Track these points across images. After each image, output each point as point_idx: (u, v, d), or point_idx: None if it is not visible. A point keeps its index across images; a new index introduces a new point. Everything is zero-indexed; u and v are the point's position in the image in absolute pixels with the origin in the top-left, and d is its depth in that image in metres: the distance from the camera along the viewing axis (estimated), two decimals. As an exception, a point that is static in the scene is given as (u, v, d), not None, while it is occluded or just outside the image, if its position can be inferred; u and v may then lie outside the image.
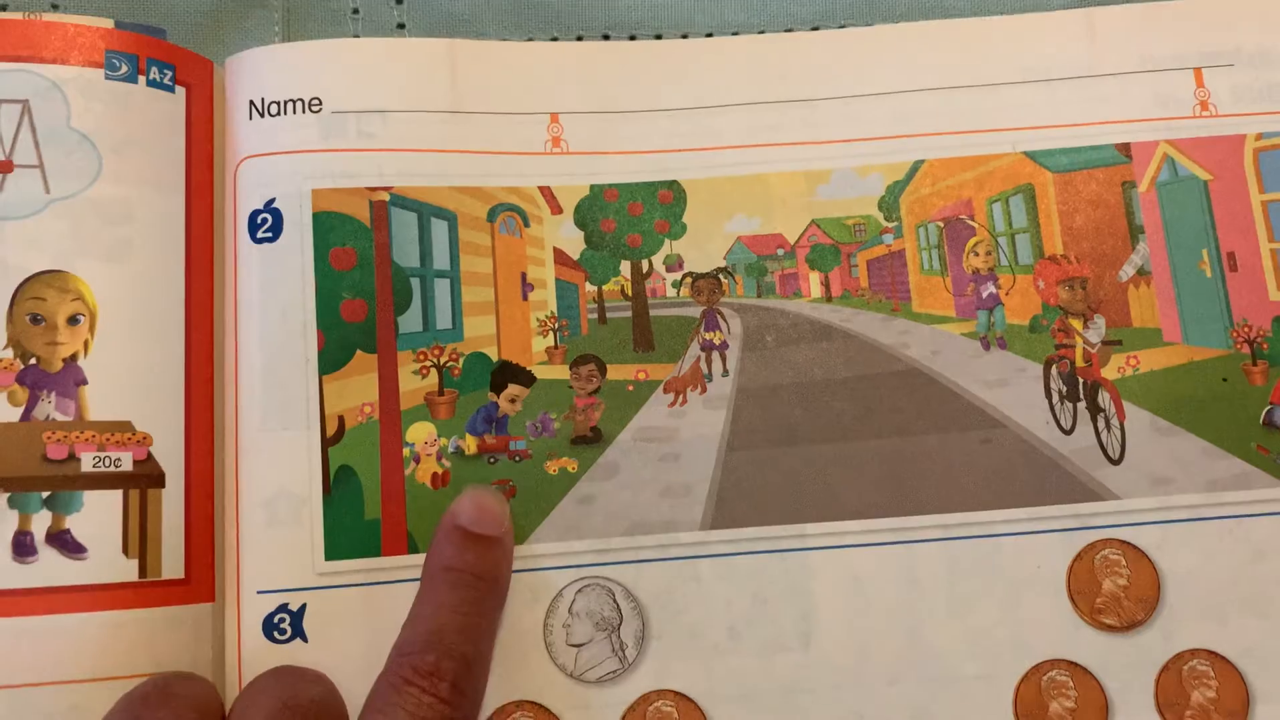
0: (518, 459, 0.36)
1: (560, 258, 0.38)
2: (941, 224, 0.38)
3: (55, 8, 0.39)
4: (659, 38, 0.40)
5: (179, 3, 0.39)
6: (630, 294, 0.38)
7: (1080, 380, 0.37)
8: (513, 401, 0.36)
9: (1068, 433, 0.36)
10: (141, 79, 0.35)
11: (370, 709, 0.30)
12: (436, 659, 0.30)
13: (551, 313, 0.37)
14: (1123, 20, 0.39)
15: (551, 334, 0.37)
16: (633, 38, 0.40)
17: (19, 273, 0.33)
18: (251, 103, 0.36)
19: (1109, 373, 0.36)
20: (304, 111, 0.36)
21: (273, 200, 0.36)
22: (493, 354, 0.36)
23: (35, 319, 0.33)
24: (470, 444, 0.35)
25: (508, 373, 0.36)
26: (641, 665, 0.34)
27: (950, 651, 0.34)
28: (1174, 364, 0.37)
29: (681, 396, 0.37)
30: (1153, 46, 0.38)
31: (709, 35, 0.40)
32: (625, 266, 0.38)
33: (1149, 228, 0.38)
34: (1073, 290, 0.37)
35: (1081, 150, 0.38)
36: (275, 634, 0.33)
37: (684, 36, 0.40)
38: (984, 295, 0.38)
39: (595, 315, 0.38)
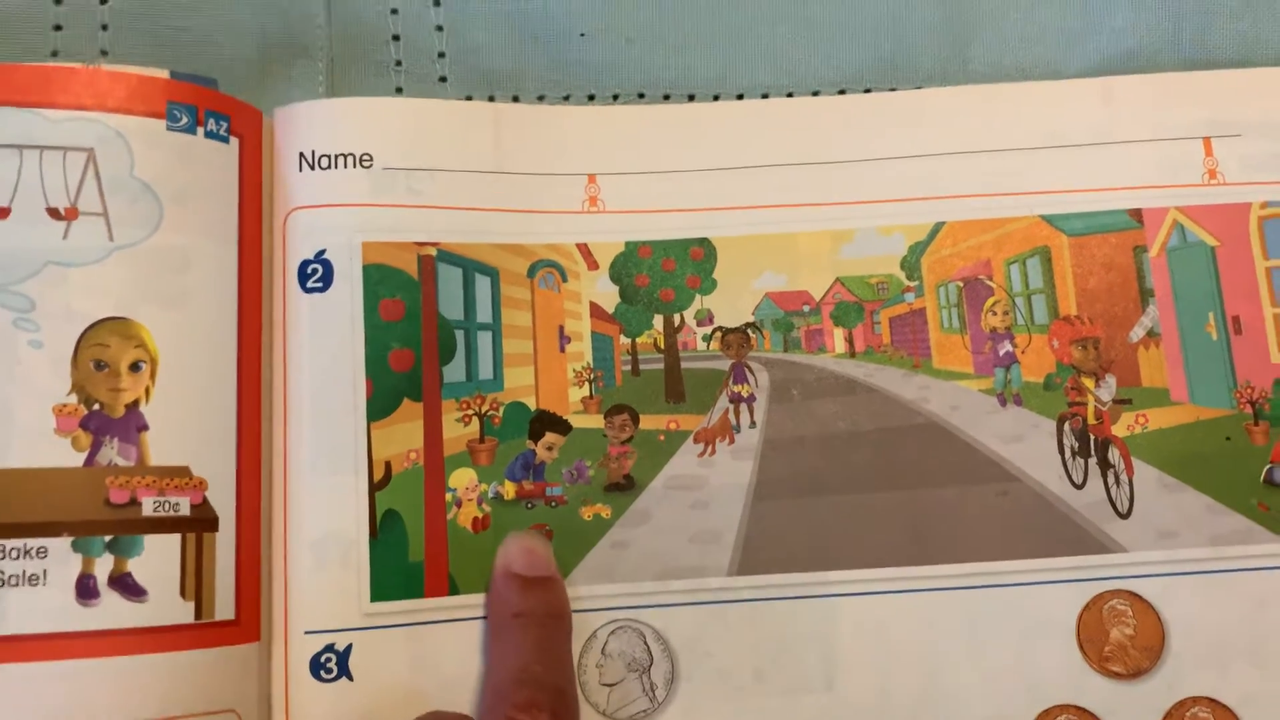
0: (554, 504, 0.37)
1: (596, 312, 0.39)
2: (961, 284, 0.40)
3: (105, 54, 0.40)
4: (692, 98, 0.41)
5: (226, 53, 0.40)
6: (663, 347, 0.39)
7: (1092, 437, 0.38)
8: (550, 449, 0.38)
9: (1079, 487, 0.38)
10: (200, 130, 0.36)
11: None
12: (531, 694, 0.32)
13: (587, 364, 0.39)
14: (1137, 89, 0.40)
15: (587, 385, 0.38)
16: (666, 97, 0.41)
17: (84, 319, 0.34)
18: (302, 155, 0.38)
19: (1119, 430, 0.38)
20: (355, 166, 0.37)
21: (323, 251, 0.37)
22: (531, 403, 0.38)
23: (99, 365, 0.34)
24: (509, 490, 0.37)
25: (545, 421, 0.38)
26: (671, 705, 0.35)
27: (966, 695, 0.36)
28: (1181, 423, 0.38)
29: (711, 447, 0.38)
30: (1165, 116, 0.40)
31: (739, 97, 0.41)
32: (658, 320, 0.39)
33: (1159, 291, 0.39)
34: (1086, 350, 0.39)
35: (1096, 215, 0.39)
36: (322, 673, 0.35)
37: (715, 98, 0.41)
38: (1001, 353, 0.39)
39: (629, 367, 0.39)
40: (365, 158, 0.37)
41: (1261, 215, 0.39)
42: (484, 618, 0.35)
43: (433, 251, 0.37)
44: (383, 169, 0.37)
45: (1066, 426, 0.38)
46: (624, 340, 0.39)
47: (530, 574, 0.35)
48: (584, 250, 0.39)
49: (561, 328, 0.39)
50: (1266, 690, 0.36)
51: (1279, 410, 0.38)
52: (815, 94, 0.41)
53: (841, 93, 0.42)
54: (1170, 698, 0.36)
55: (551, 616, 0.35)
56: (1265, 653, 0.36)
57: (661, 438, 0.38)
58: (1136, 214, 0.39)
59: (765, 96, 0.41)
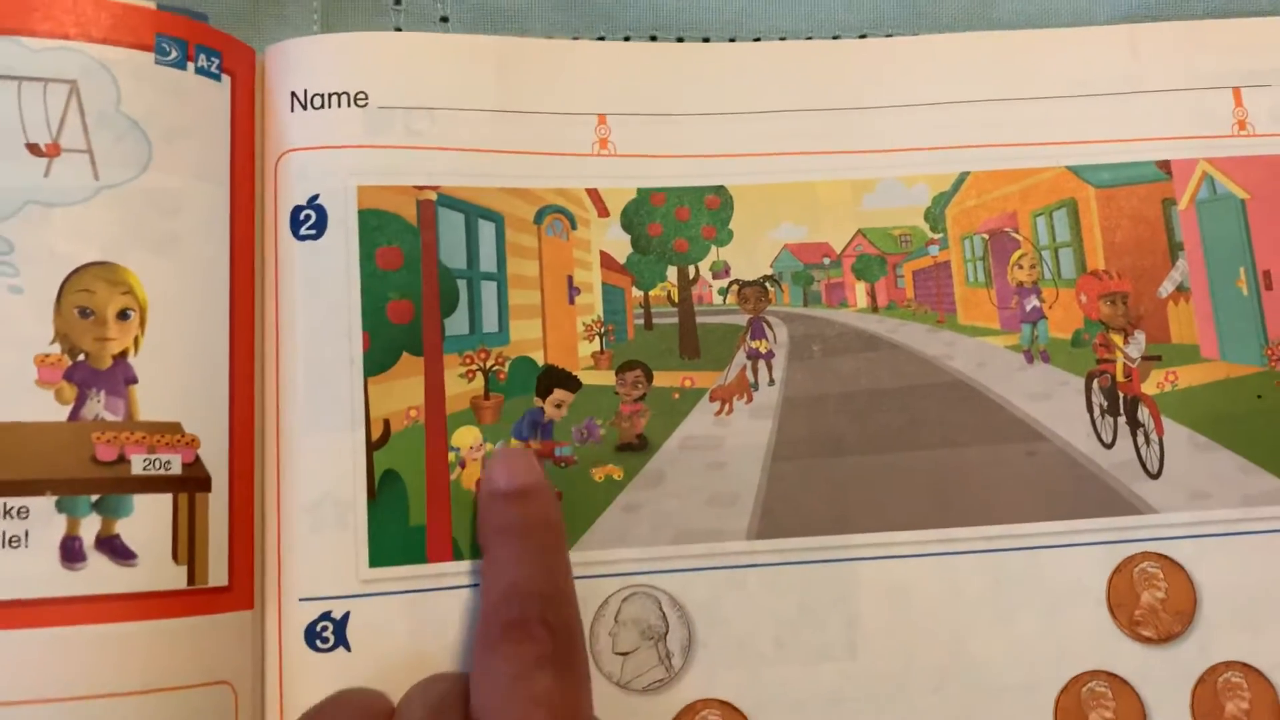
0: (563, 465, 0.36)
1: (607, 262, 0.38)
2: (986, 236, 0.39)
3: (87, -11, 0.38)
4: (707, 40, 0.40)
5: (216, -13, 0.38)
6: (677, 300, 0.38)
7: (1121, 395, 0.37)
8: (558, 407, 0.36)
9: (1108, 447, 0.37)
10: (190, 65, 0.34)
11: (477, 676, 0.30)
12: (520, 608, 0.30)
13: (598, 317, 0.37)
14: (1165, 37, 0.40)
15: (598, 339, 0.37)
16: (680, 39, 0.40)
17: (68, 263, 0.32)
18: (294, 94, 0.36)
19: (1148, 388, 0.37)
20: (349, 105, 0.36)
21: (316, 196, 0.35)
22: (539, 358, 0.36)
23: (84, 312, 0.32)
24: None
25: (553, 378, 0.36)
26: (687, 674, 0.34)
27: (993, 661, 0.35)
28: (1211, 380, 0.38)
29: (728, 405, 0.37)
30: (1193, 64, 0.39)
31: (757, 39, 0.40)
32: (672, 272, 0.38)
33: (1188, 245, 0.38)
34: (1114, 305, 0.38)
35: (1123, 166, 0.39)
36: (318, 642, 0.33)
37: (731, 40, 0.40)
38: (1028, 309, 0.38)
39: (642, 321, 0.38)
40: (360, 96, 0.36)
41: (1293, 168, 0.39)
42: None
43: (433, 196, 0.36)
44: (378, 108, 0.36)
45: (1095, 384, 0.37)
46: (636, 293, 0.38)
47: (510, 487, 0.33)
48: (594, 196, 0.37)
49: (570, 278, 0.37)
50: (1300, 655, 0.35)
51: (1311, 367, 0.37)
52: (835, 38, 0.40)
53: (862, 37, 0.40)
54: (1203, 662, 0.35)
55: (537, 526, 0.33)
56: (1299, 616, 0.35)
57: (676, 395, 0.37)
58: (1165, 165, 0.39)
59: (783, 39, 0.40)
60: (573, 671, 0.30)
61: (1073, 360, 0.38)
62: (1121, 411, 0.37)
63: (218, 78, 0.35)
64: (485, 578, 0.32)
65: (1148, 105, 0.39)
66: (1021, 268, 0.39)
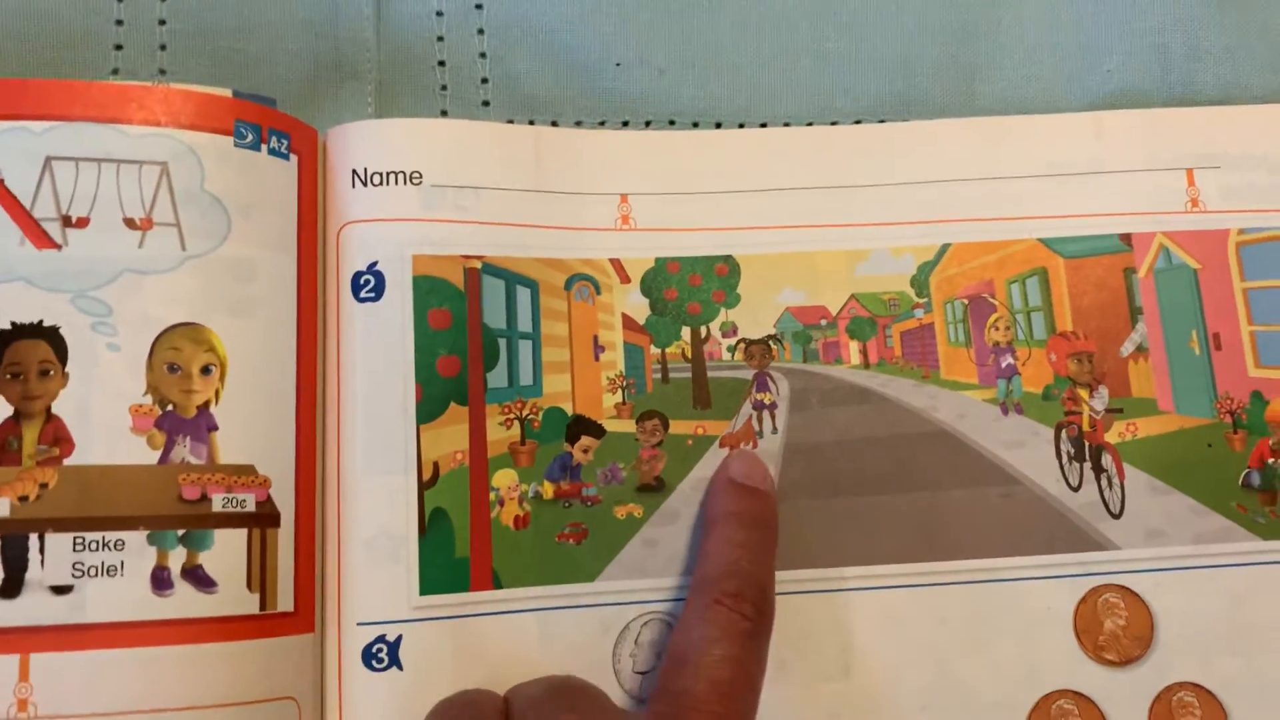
0: (589, 504, 0.39)
1: (628, 323, 0.41)
2: (966, 301, 0.42)
3: (163, 73, 0.42)
4: (719, 126, 0.44)
5: (278, 74, 0.42)
6: (690, 357, 0.41)
7: (1086, 443, 0.41)
8: (585, 452, 0.40)
9: (1075, 489, 0.40)
10: (264, 147, 0.38)
11: (685, 625, 0.34)
12: (739, 584, 0.35)
13: (620, 372, 0.41)
14: (1126, 123, 0.43)
15: (620, 391, 0.41)
16: (695, 125, 0.44)
17: (158, 324, 0.35)
18: (355, 172, 0.40)
19: (1111, 437, 0.41)
20: (406, 184, 0.39)
21: (375, 263, 0.39)
22: (568, 408, 0.40)
23: (173, 368, 0.36)
24: (548, 489, 0.39)
25: (581, 426, 0.40)
26: (700, 692, 0.38)
27: (973, 681, 0.38)
28: (1167, 431, 0.41)
29: (736, 450, 0.41)
30: (1151, 148, 0.43)
31: (763, 125, 0.44)
32: (686, 332, 0.42)
33: (1147, 309, 0.42)
34: (1081, 363, 0.42)
35: (1089, 239, 0.42)
36: (374, 663, 0.36)
37: (741, 125, 0.44)
38: (1003, 365, 0.42)
39: (659, 375, 0.41)
40: (415, 175, 0.40)
41: (1239, 240, 0.42)
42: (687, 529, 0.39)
43: (478, 264, 0.40)
44: (431, 186, 0.40)
45: (1063, 433, 0.41)
46: (654, 350, 0.41)
47: (746, 483, 0.38)
48: (616, 265, 0.41)
49: (596, 337, 0.41)
50: (1245, 676, 0.38)
51: (1255, 419, 0.41)
52: (833, 123, 0.44)
53: (858, 123, 0.44)
54: (1159, 683, 0.38)
55: (763, 523, 0.37)
56: (1244, 642, 0.39)
57: (690, 442, 0.40)
58: (1126, 238, 0.42)
59: (787, 125, 0.44)
60: (761, 650, 0.35)
61: (1043, 412, 0.41)
62: (1087, 458, 0.40)
63: (286, 157, 0.39)
64: (708, 546, 0.36)
65: (1111, 184, 0.42)
66: (997, 329, 0.42)
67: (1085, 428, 0.41)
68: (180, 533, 0.35)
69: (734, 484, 0.38)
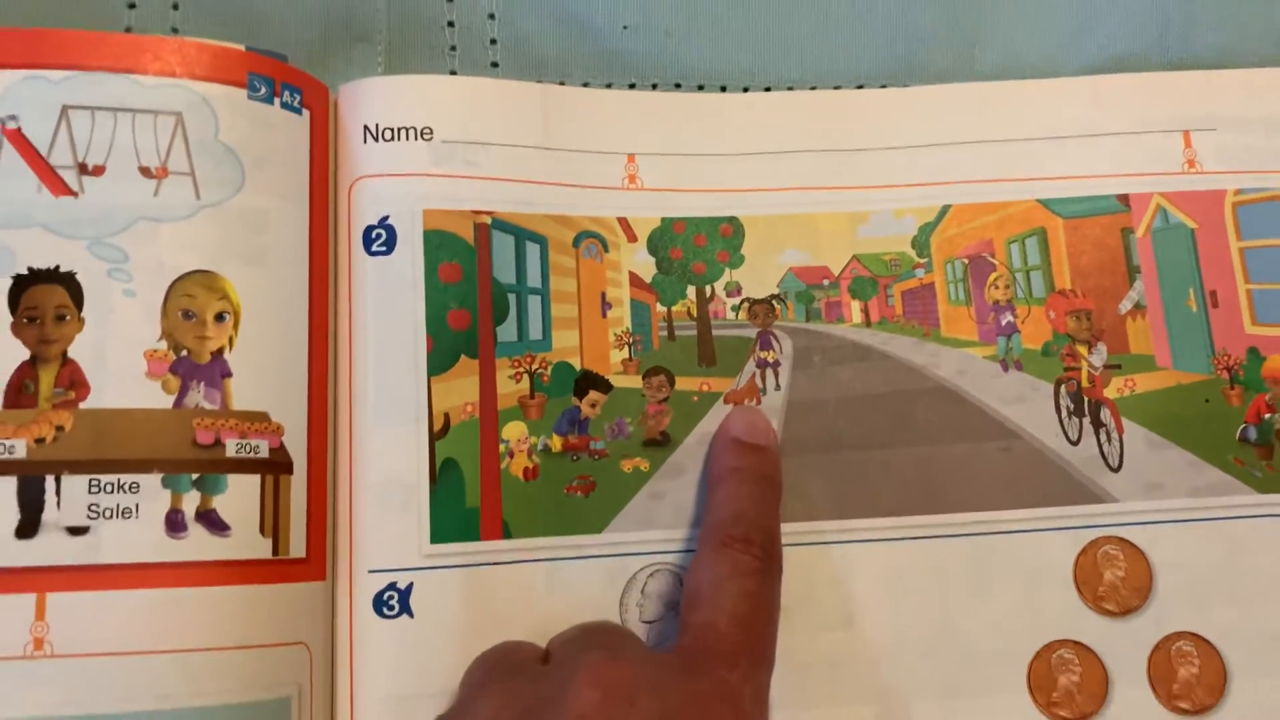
0: (597, 457, 0.40)
1: (635, 281, 0.42)
2: (966, 261, 0.43)
3: (175, 31, 0.43)
4: (724, 89, 0.45)
5: (290, 34, 0.43)
6: (695, 315, 0.42)
7: (1085, 399, 0.42)
8: (593, 406, 0.40)
9: (1074, 444, 0.41)
10: (277, 101, 0.38)
11: (698, 567, 0.35)
12: (746, 530, 0.36)
13: (627, 329, 0.42)
14: (1123, 87, 0.44)
15: (627, 348, 0.41)
16: (701, 87, 0.45)
17: (173, 271, 0.36)
18: (366, 128, 0.40)
19: (1110, 393, 0.42)
20: (416, 139, 0.40)
21: (386, 217, 0.39)
22: (576, 364, 0.41)
23: (187, 315, 0.36)
24: (556, 443, 0.40)
25: (589, 381, 0.41)
26: (706, 640, 0.38)
27: (973, 632, 0.39)
28: (1165, 386, 0.42)
29: (740, 406, 0.41)
30: (1148, 111, 0.43)
31: (768, 89, 0.45)
32: (691, 290, 0.42)
33: (1144, 268, 0.43)
34: (1079, 320, 0.42)
35: (1087, 200, 0.43)
36: (385, 610, 0.37)
37: (745, 89, 0.45)
38: (1003, 323, 0.43)
39: (665, 333, 0.42)
40: (426, 131, 0.40)
41: (1235, 201, 0.43)
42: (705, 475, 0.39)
43: (487, 220, 0.40)
44: (442, 142, 0.40)
45: (1063, 389, 0.42)
46: (660, 308, 0.42)
47: (748, 439, 0.38)
48: (624, 224, 0.42)
49: (603, 294, 0.42)
50: (1242, 625, 0.39)
51: (1252, 375, 0.42)
52: (836, 88, 0.45)
53: (860, 87, 0.45)
54: (1158, 632, 0.39)
55: (766, 477, 0.38)
56: (1241, 592, 0.39)
57: (695, 398, 0.41)
58: (1124, 199, 0.43)
59: (791, 89, 0.45)
60: (774, 588, 0.36)
61: (1043, 368, 0.42)
62: (1086, 413, 0.41)
63: (299, 111, 0.39)
64: (714, 499, 0.37)
65: (1109, 146, 0.43)
66: (997, 288, 0.43)
67: (1084, 383, 0.42)
68: (194, 477, 0.35)
69: (736, 441, 0.39)
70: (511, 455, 0.39)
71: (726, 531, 0.36)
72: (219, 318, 0.36)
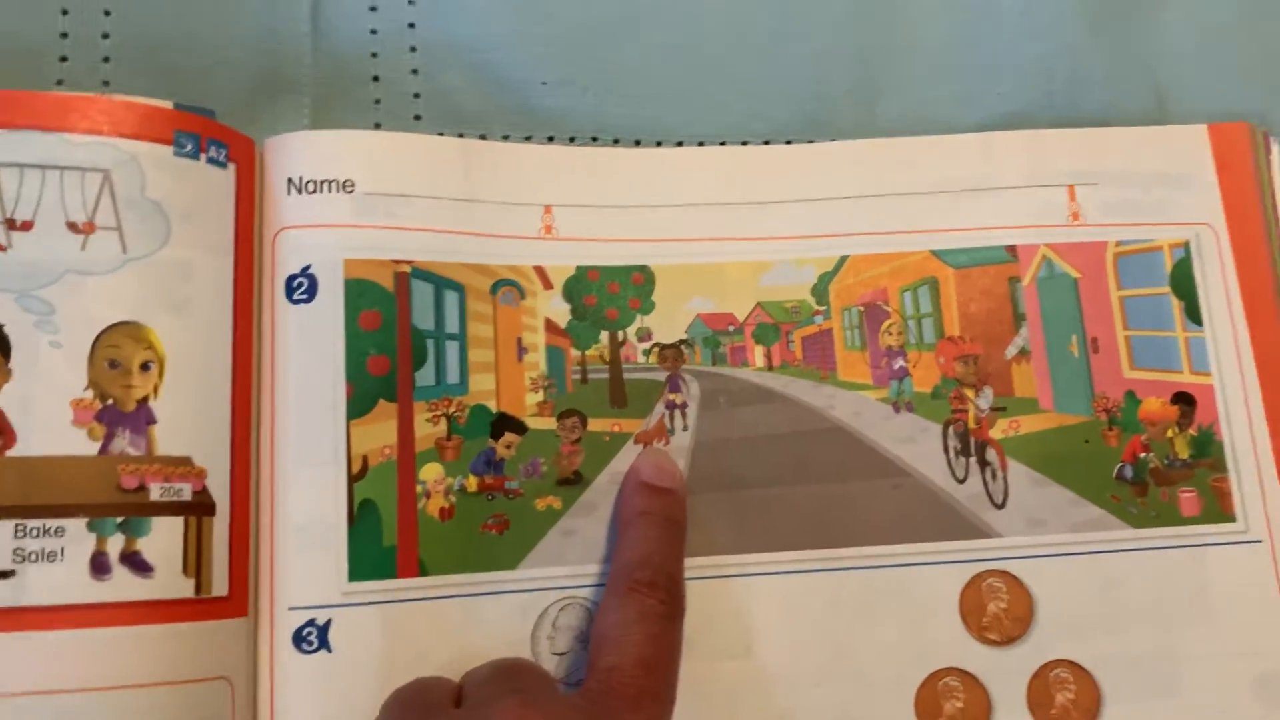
0: (512, 496, 0.41)
1: (550, 326, 0.44)
2: (862, 308, 0.45)
3: (106, 84, 0.44)
4: (638, 143, 0.47)
5: (218, 87, 0.44)
6: (608, 359, 0.44)
7: (972, 439, 0.44)
8: (508, 447, 0.42)
9: (961, 482, 0.43)
10: (203, 156, 0.40)
11: (605, 611, 0.37)
12: (651, 574, 0.37)
13: (542, 373, 0.43)
14: (1013, 144, 0.46)
15: (542, 391, 0.43)
16: (616, 141, 0.47)
17: (99, 323, 0.37)
18: (290, 180, 0.41)
19: (995, 434, 0.44)
20: (339, 191, 0.41)
21: (309, 267, 0.41)
22: (493, 406, 0.42)
23: (113, 364, 0.37)
24: (472, 483, 0.41)
25: (505, 423, 0.42)
26: (613, 671, 0.40)
27: (865, 660, 0.41)
28: (1047, 427, 0.44)
29: (649, 447, 0.43)
30: (1036, 166, 0.46)
31: (679, 144, 0.47)
32: (604, 336, 0.44)
33: (1030, 315, 0.45)
34: (967, 365, 0.45)
35: (978, 250, 0.45)
36: (304, 645, 0.38)
37: (658, 144, 0.47)
38: (895, 368, 0.45)
39: (579, 376, 0.44)
40: (348, 184, 0.42)
41: (1115, 252, 0.45)
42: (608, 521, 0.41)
43: (407, 269, 0.42)
44: (364, 194, 0.42)
45: (950, 430, 0.44)
46: (574, 352, 0.44)
47: (655, 483, 0.40)
48: (540, 272, 0.44)
49: (520, 339, 0.43)
50: (1115, 652, 0.41)
51: (1129, 417, 0.44)
52: (745, 144, 0.47)
53: (768, 143, 0.47)
54: (1037, 660, 0.41)
55: (672, 520, 0.40)
56: (1114, 621, 0.42)
57: (606, 438, 0.43)
58: (1012, 250, 0.45)
59: (702, 144, 0.47)
60: (676, 631, 0.37)
61: (932, 410, 0.44)
62: (972, 453, 0.43)
63: (224, 166, 0.41)
64: (623, 542, 0.39)
65: (999, 200, 0.45)
66: (891, 334, 0.45)
67: (971, 425, 0.44)
68: (119, 520, 0.36)
69: (644, 485, 0.41)
70: (428, 496, 0.41)
71: (633, 576, 0.38)
72: (144, 367, 0.38)
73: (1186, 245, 0.46)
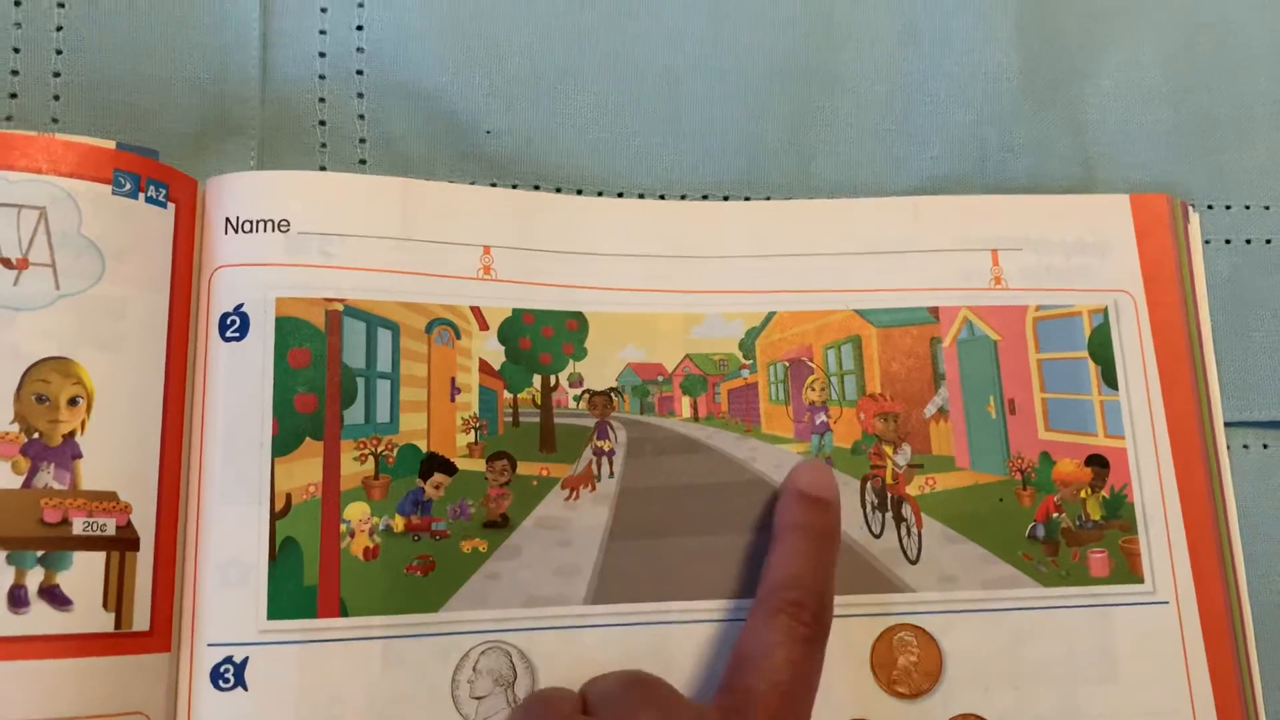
0: (438, 538, 0.42)
1: (484, 367, 0.44)
2: (787, 364, 0.46)
3: (56, 121, 0.45)
4: (579, 192, 0.48)
5: (167, 127, 0.45)
6: (539, 403, 0.45)
7: (889, 495, 0.45)
8: (437, 488, 0.43)
9: (877, 536, 0.44)
10: (141, 195, 0.40)
11: (749, 631, 0.38)
12: (800, 594, 0.38)
13: (474, 414, 0.44)
14: (940, 208, 0.47)
15: (473, 432, 0.44)
16: (558, 190, 0.48)
17: (29, 358, 0.38)
18: (228, 219, 0.42)
19: (912, 490, 0.45)
20: (273, 231, 0.42)
21: (241, 305, 0.41)
22: (423, 446, 0.43)
23: (40, 399, 0.38)
24: (399, 523, 0.42)
25: (434, 463, 0.43)
26: (530, 713, 0.41)
27: None
28: (963, 485, 0.45)
29: (576, 492, 0.44)
30: (962, 230, 0.47)
31: (619, 195, 0.48)
32: (537, 379, 0.45)
33: (949, 375, 0.46)
34: (887, 422, 0.46)
35: (900, 311, 0.46)
36: (220, 682, 0.38)
37: (599, 194, 0.48)
38: (817, 423, 0.46)
39: (510, 419, 0.44)
40: (283, 223, 0.42)
41: (1035, 316, 0.47)
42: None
43: (339, 307, 0.42)
44: (298, 233, 0.42)
45: (868, 485, 0.45)
46: (507, 395, 0.44)
47: (812, 493, 0.41)
48: (476, 312, 0.44)
49: (453, 380, 0.44)
50: (1020, 708, 0.42)
51: (1043, 478, 0.45)
52: (683, 198, 0.48)
53: (705, 197, 0.48)
54: (944, 715, 0.42)
55: (826, 534, 0.41)
56: (1021, 676, 0.43)
57: (535, 482, 0.43)
58: (934, 311, 0.47)
59: (641, 197, 0.48)
60: (818, 655, 0.38)
61: (851, 465, 0.45)
62: (889, 508, 0.45)
63: (164, 205, 0.41)
64: (774, 556, 0.40)
65: (923, 262, 0.46)
66: (814, 390, 0.46)
67: (888, 480, 0.45)
68: (39, 554, 0.37)
69: (802, 495, 0.41)
70: (353, 535, 0.41)
71: (781, 595, 0.39)
72: (72, 402, 0.38)
73: (1105, 311, 0.47)
